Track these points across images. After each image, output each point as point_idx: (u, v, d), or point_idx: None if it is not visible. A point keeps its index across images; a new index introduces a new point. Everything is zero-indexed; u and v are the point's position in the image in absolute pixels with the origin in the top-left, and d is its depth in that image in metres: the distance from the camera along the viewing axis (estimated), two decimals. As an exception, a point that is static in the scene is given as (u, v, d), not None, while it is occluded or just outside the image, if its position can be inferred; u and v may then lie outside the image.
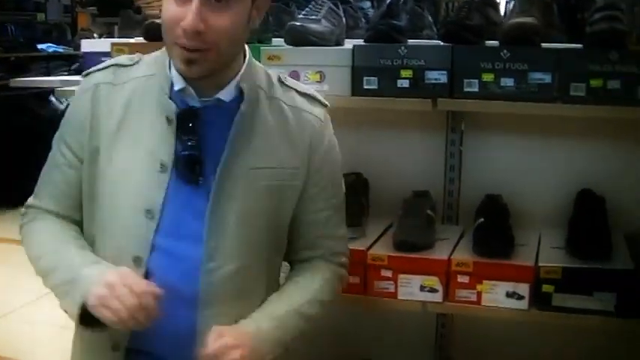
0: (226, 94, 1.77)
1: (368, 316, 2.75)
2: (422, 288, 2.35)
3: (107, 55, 3.00)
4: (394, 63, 2.37)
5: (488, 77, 2.31)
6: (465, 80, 2.33)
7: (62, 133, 1.84)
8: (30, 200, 1.89)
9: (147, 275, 1.72)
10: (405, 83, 2.37)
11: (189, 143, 1.74)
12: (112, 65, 1.83)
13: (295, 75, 2.42)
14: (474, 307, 2.34)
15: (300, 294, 1.89)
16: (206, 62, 1.68)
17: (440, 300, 2.35)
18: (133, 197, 1.74)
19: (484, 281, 2.31)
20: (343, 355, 2.81)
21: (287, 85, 1.90)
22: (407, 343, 2.82)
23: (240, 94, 1.78)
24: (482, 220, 2.46)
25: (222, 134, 1.76)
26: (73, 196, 1.83)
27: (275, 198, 1.83)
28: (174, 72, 1.76)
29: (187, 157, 1.74)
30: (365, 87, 2.39)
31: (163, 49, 1.79)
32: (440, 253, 2.40)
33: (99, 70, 1.83)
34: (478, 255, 2.36)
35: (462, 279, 2.33)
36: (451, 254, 2.39)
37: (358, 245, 2.43)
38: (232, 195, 1.76)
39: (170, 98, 1.75)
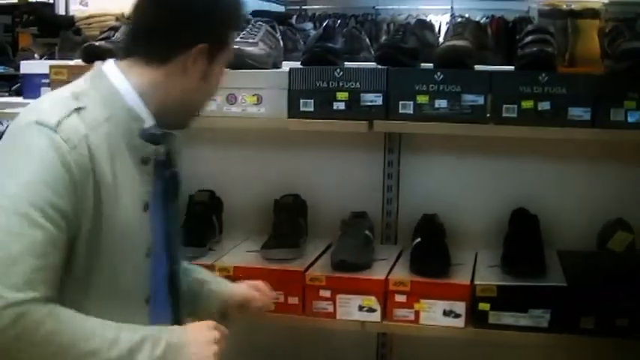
0: None
1: (307, 336, 2.76)
2: (360, 308, 2.38)
3: (46, 76, 2.98)
4: (330, 85, 2.39)
5: (422, 99, 2.34)
6: (400, 102, 2.36)
7: (47, 199, 1.52)
8: (20, 295, 1.46)
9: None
10: (341, 105, 2.39)
11: (175, 170, 1.82)
12: (75, 110, 1.62)
13: (233, 98, 2.43)
14: (412, 325, 2.37)
15: None
16: None
17: (378, 319, 2.38)
18: (134, 243, 1.70)
19: (421, 300, 2.35)
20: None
21: None
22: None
23: None
24: (419, 239, 2.50)
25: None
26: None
27: None
28: (144, 111, 1.72)
29: (175, 183, 1.82)
30: (301, 109, 2.40)
31: (101, 88, 1.70)
32: (378, 272, 2.43)
33: (67, 116, 1.60)
34: (415, 274, 2.39)
35: (400, 298, 2.36)
36: (389, 274, 2.42)
37: (296, 266, 2.46)
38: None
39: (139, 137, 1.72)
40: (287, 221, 2.61)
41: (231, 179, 2.87)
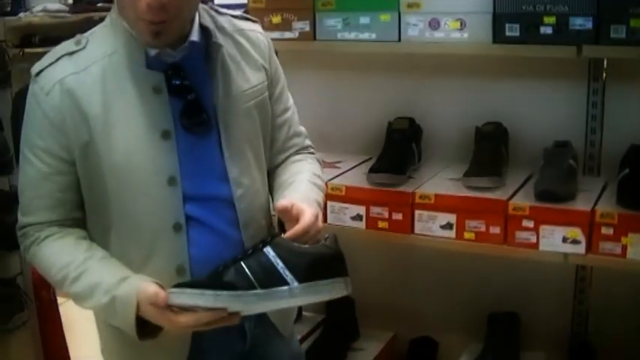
0: (195, 36, 1.78)
1: (507, 267, 2.73)
2: (564, 239, 2.31)
3: (242, 7, 3.02)
4: (537, 9, 2.30)
5: (636, 23, 2.22)
6: (612, 26, 2.25)
7: (33, 141, 1.76)
8: (24, 220, 1.81)
9: (189, 235, 1.77)
10: (548, 30, 2.30)
11: (189, 97, 1.76)
12: (63, 55, 1.76)
13: (435, 23, 2.39)
14: (618, 260, 2.28)
15: (304, 172, 1.96)
16: (171, 32, 1.70)
17: (583, 252, 2.31)
18: (146, 171, 1.74)
19: (630, 234, 2.25)
20: (480, 305, 2.80)
21: (221, 13, 1.91)
22: (545, 296, 2.78)
23: (203, 32, 1.79)
24: (627, 171, 2.39)
25: (202, 74, 1.79)
26: (70, 199, 1.79)
27: (261, 114, 1.91)
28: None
29: (194, 109, 1.77)
30: (507, 34, 2.34)
31: (110, 23, 1.77)
32: (583, 204, 2.35)
33: (50, 64, 1.75)
34: (623, 207, 2.29)
35: (607, 231, 2.28)
36: (594, 205, 2.33)
37: (498, 195, 2.42)
38: (236, 124, 1.83)
39: (148, 67, 1.74)
40: (488, 149, 2.56)
41: (431, 106, 2.84)
